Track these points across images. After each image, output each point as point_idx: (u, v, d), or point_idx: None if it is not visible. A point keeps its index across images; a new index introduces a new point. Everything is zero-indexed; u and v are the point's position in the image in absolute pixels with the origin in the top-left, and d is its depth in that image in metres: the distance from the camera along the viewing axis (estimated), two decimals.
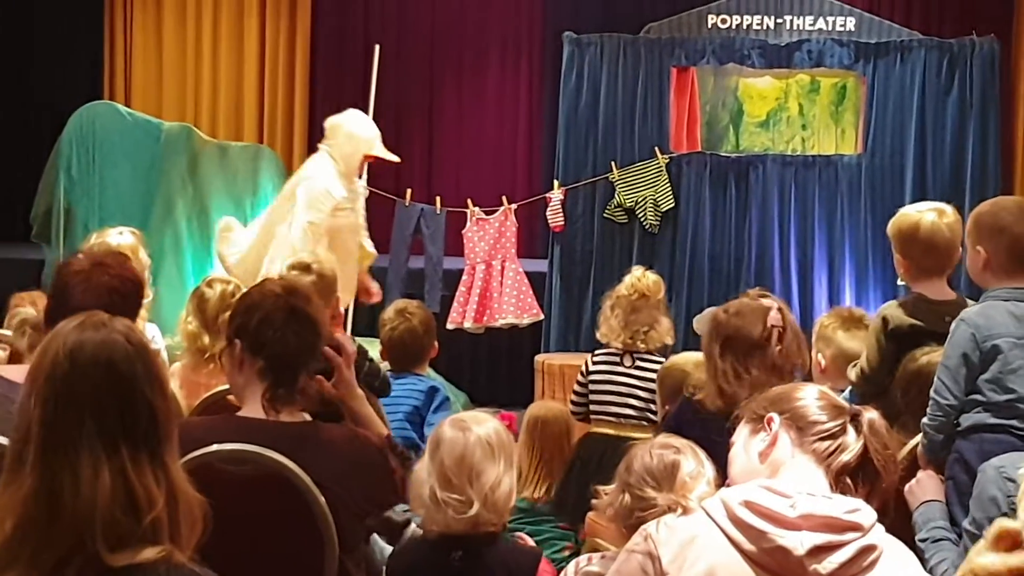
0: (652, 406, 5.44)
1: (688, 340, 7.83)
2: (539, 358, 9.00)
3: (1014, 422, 3.62)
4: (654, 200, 9.45)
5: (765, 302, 4.02)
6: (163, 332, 5.49)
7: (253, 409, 3.23)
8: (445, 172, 11.30)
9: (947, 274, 4.31)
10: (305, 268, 4.86)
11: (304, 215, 6.95)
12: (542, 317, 9.34)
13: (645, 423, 5.54)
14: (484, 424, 3.09)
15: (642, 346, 5.68)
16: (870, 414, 2.62)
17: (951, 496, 3.62)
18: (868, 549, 2.43)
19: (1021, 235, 3.74)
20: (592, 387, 5.74)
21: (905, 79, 9.59)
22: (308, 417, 3.29)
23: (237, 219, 9.28)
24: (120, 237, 5.65)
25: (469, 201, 9.35)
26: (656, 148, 9.54)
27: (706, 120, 10.12)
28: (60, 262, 4.52)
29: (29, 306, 4.80)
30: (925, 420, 3.71)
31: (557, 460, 5.50)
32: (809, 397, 2.66)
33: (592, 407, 5.73)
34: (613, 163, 9.55)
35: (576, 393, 5.84)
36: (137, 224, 6.96)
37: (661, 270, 9.43)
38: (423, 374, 5.36)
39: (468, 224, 9.32)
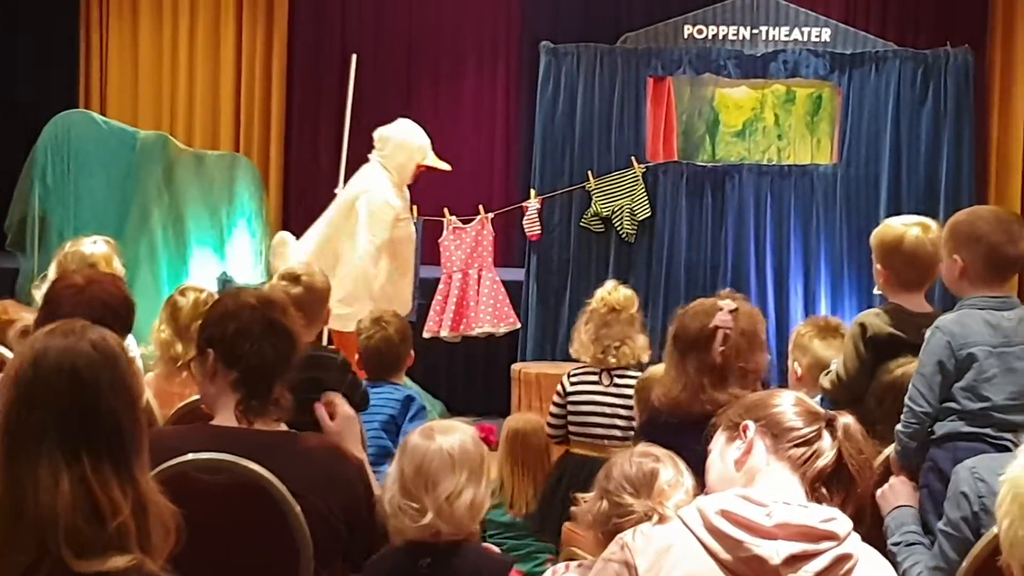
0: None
1: (661, 351, 7.85)
2: (516, 367, 9.00)
3: (988, 430, 3.63)
4: (631, 209, 9.46)
5: (721, 302, 4.02)
6: (138, 341, 5.47)
7: (226, 418, 3.22)
8: (421, 181, 11.19)
9: (925, 288, 4.34)
10: (295, 279, 4.82)
11: (368, 234, 6.96)
12: (519, 326, 9.33)
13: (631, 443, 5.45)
14: (451, 434, 3.07)
15: (613, 361, 5.48)
16: (845, 419, 2.62)
17: (925, 504, 3.63)
18: (844, 558, 2.43)
19: (997, 244, 3.76)
20: (572, 407, 5.52)
21: (880, 89, 9.63)
22: (283, 427, 3.27)
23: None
24: (94, 246, 5.62)
25: (446, 210, 9.34)
26: (632, 157, 9.55)
27: (682, 130, 10.14)
28: (55, 278, 4.51)
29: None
30: (899, 427, 3.73)
31: (539, 472, 5.50)
32: (785, 404, 2.65)
33: (573, 428, 5.51)
34: (590, 172, 9.56)
35: (554, 415, 5.60)
36: (112, 233, 6.94)
37: (637, 279, 9.49)
38: (399, 383, 5.35)
39: (444, 233, 9.31)
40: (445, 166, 7.65)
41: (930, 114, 9.59)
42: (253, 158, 10.69)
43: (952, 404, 3.67)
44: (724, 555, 2.41)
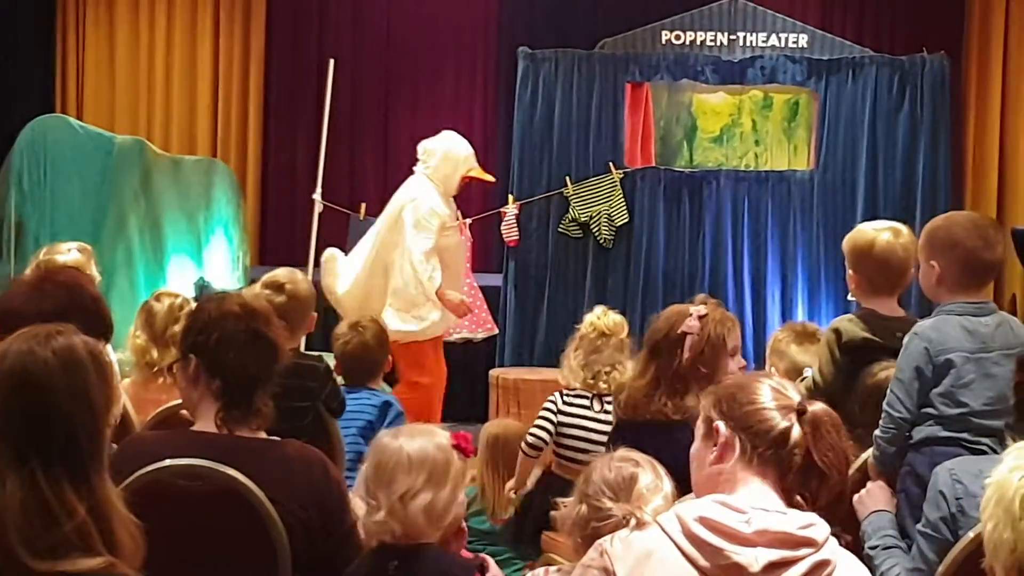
0: None
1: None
2: (494, 372, 9.00)
3: (965, 435, 3.64)
4: (608, 215, 9.47)
5: (693, 308, 4.01)
6: (114, 347, 5.44)
7: (207, 424, 3.22)
8: (400, 186, 11.27)
9: (898, 293, 4.36)
10: (278, 288, 4.79)
11: (415, 242, 7.02)
12: (497, 331, 9.34)
13: None
14: (416, 437, 3.06)
15: (604, 387, 5.33)
16: (815, 407, 2.55)
17: (903, 508, 3.63)
18: (822, 564, 2.43)
19: (974, 250, 3.77)
20: (561, 428, 5.35)
21: (857, 95, 9.67)
22: (263, 434, 3.27)
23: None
24: (68, 255, 5.60)
25: None
26: (610, 163, 9.56)
27: (660, 135, 10.16)
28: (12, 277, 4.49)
29: None
30: (877, 432, 3.74)
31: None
32: (759, 398, 2.59)
33: (559, 449, 5.35)
34: (568, 178, 9.57)
35: (541, 429, 5.38)
36: (89, 238, 6.91)
37: (615, 285, 9.51)
38: (377, 388, 5.35)
39: None
40: (489, 178, 7.79)
41: (906, 120, 9.63)
42: (230, 163, 10.68)
43: (930, 410, 3.68)
44: (703, 562, 2.41)
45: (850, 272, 4.37)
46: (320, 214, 8.93)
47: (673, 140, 10.21)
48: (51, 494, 2.14)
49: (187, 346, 3.28)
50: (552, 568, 3.37)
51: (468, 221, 9.30)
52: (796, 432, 2.52)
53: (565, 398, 5.41)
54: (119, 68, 11.15)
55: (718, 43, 9.88)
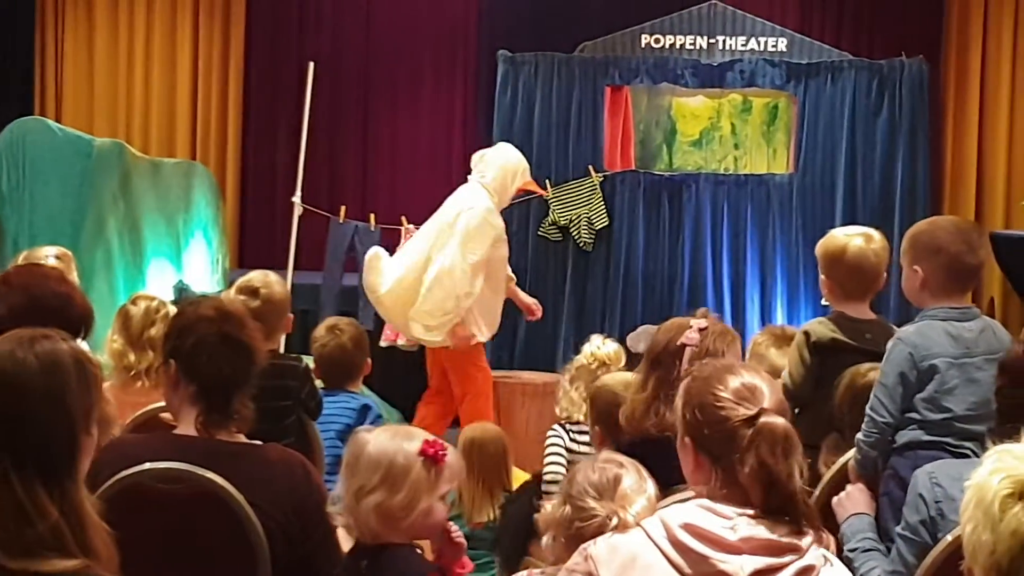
0: None
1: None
2: None
3: (948, 439, 3.66)
4: (588, 218, 9.48)
5: (693, 321, 4.02)
6: (94, 350, 5.42)
7: (188, 427, 3.22)
8: (380, 189, 11.29)
9: (869, 298, 4.41)
10: (252, 292, 4.79)
11: (463, 253, 7.03)
12: None
13: None
14: (387, 438, 3.05)
15: None
16: (771, 419, 2.49)
17: (885, 511, 3.65)
18: (807, 570, 2.44)
19: (958, 254, 3.79)
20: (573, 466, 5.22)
21: (836, 99, 9.69)
22: (243, 438, 3.27)
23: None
24: (46, 261, 5.58)
25: (403, 218, 9.32)
26: (590, 166, 9.57)
27: (640, 139, 10.18)
28: None
29: None
30: (860, 436, 3.75)
31: (496, 483, 5.47)
32: (723, 407, 2.53)
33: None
34: (547, 181, 9.56)
35: (559, 464, 5.16)
36: (67, 241, 6.89)
37: (595, 288, 9.52)
38: (356, 391, 5.34)
39: (402, 241, 9.29)
40: (542, 191, 7.81)
41: (885, 124, 9.66)
42: (210, 166, 10.65)
43: (913, 414, 3.70)
44: (688, 570, 2.41)
45: (823, 277, 4.44)
46: (300, 217, 8.91)
47: (653, 143, 10.23)
48: (24, 495, 2.14)
49: (167, 351, 3.30)
50: (537, 571, 3.37)
51: None
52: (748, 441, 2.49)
53: (571, 434, 5.28)
54: (98, 70, 11.11)
55: (697, 47, 9.90)
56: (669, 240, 9.71)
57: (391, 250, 9.26)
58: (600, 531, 2.75)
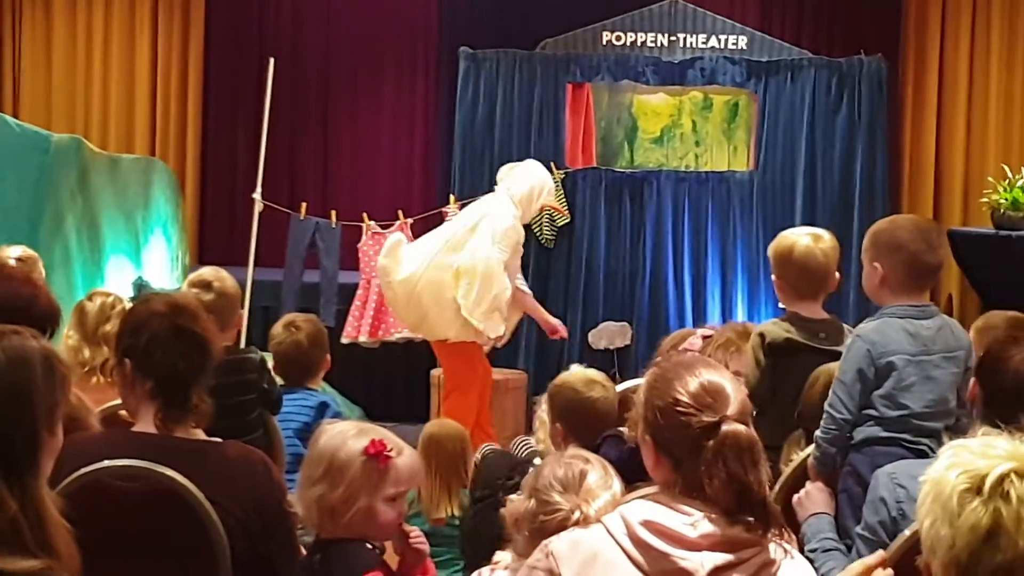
0: None
1: (583, 354, 7.88)
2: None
3: (905, 436, 3.68)
4: (549, 215, 9.48)
5: (700, 330, 4.05)
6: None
7: (147, 426, 3.21)
8: (340, 186, 11.26)
9: (822, 298, 4.44)
10: (206, 286, 4.77)
11: (492, 249, 7.16)
12: None
13: None
14: (340, 434, 3.05)
15: None
16: (732, 427, 2.49)
17: (844, 508, 3.67)
18: (767, 564, 2.45)
19: (917, 253, 3.81)
20: None
21: (795, 97, 9.73)
22: (202, 434, 3.26)
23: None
24: (9, 262, 5.53)
25: (365, 215, 9.31)
26: (552, 163, 9.57)
27: (601, 136, 10.19)
28: None
29: None
30: (819, 433, 3.77)
31: (454, 479, 5.45)
32: (683, 407, 2.51)
33: None
34: None
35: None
36: (25, 238, 6.82)
37: (556, 285, 9.52)
38: (316, 389, 5.32)
39: (363, 238, 9.28)
40: (565, 212, 8.12)
41: (844, 122, 9.71)
42: (169, 162, 10.60)
43: (871, 411, 3.72)
44: (648, 567, 2.42)
45: (774, 277, 4.47)
46: (260, 213, 8.88)
47: (614, 141, 10.24)
48: None
49: (121, 350, 3.28)
50: (500, 565, 3.37)
51: (409, 221, 9.28)
52: (709, 450, 2.48)
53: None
54: (56, 65, 11.03)
55: (658, 44, 9.92)
56: (630, 237, 9.73)
57: (352, 247, 9.30)
58: (563, 525, 2.75)
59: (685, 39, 9.92)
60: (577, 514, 2.79)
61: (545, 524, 2.85)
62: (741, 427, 2.49)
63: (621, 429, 4.02)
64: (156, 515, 3.09)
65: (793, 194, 9.70)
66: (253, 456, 3.26)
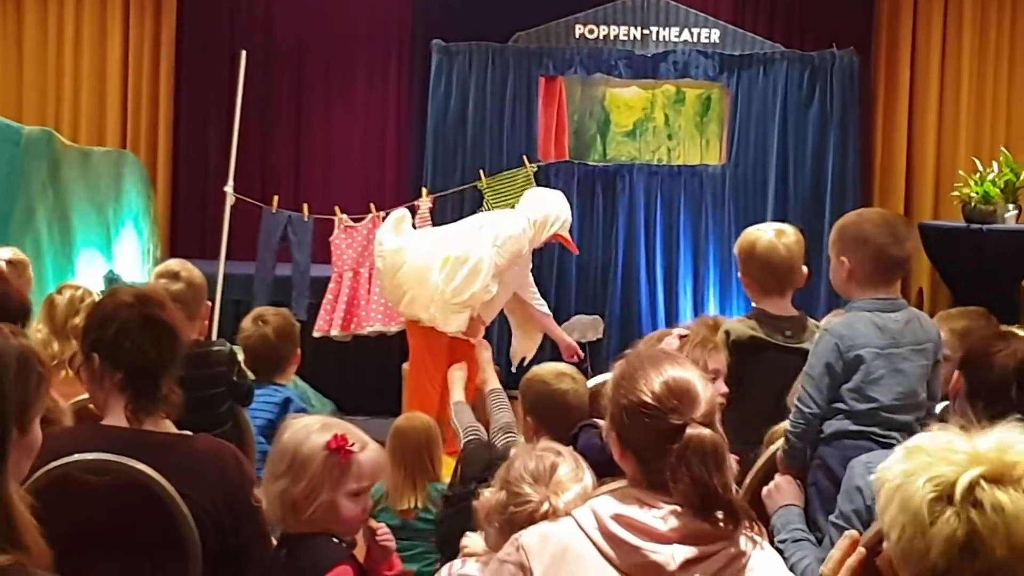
0: None
1: (554, 350, 7.88)
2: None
3: (875, 429, 3.69)
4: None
5: (676, 330, 4.05)
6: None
7: (117, 419, 3.20)
8: (312, 179, 11.22)
9: (788, 293, 4.45)
10: (173, 276, 4.76)
11: (490, 249, 7.22)
12: None
13: None
14: (304, 428, 3.05)
15: None
16: (697, 431, 2.48)
17: (814, 502, 3.68)
18: (737, 556, 2.46)
19: (884, 246, 3.82)
20: None
21: (768, 91, 9.76)
22: (172, 426, 3.25)
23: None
24: (1, 265, 5.50)
25: (337, 208, 9.29)
26: (524, 157, 9.58)
27: (574, 129, 10.19)
28: None
29: None
30: (788, 427, 3.78)
31: (420, 472, 5.44)
32: (648, 409, 2.51)
33: None
34: (482, 171, 9.57)
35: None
36: None
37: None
38: (285, 383, 5.29)
39: (336, 231, 9.25)
40: (574, 248, 8.17)
41: (816, 115, 9.74)
42: (140, 155, 10.54)
43: (840, 404, 3.73)
44: (619, 561, 2.42)
45: (740, 274, 4.48)
46: (232, 207, 8.85)
47: (587, 134, 10.24)
48: None
49: (88, 345, 3.26)
50: (471, 558, 3.37)
51: (381, 214, 9.26)
52: (674, 456, 2.47)
53: None
54: (27, 57, 10.96)
55: (631, 37, 9.93)
56: (603, 231, 9.74)
57: (324, 240, 9.28)
58: (532, 517, 2.75)
59: (658, 32, 9.93)
60: (546, 506, 2.79)
61: (515, 516, 2.84)
62: (706, 431, 2.48)
63: (598, 420, 4.02)
64: (126, 508, 3.08)
65: (765, 188, 9.73)
66: (223, 449, 3.25)
